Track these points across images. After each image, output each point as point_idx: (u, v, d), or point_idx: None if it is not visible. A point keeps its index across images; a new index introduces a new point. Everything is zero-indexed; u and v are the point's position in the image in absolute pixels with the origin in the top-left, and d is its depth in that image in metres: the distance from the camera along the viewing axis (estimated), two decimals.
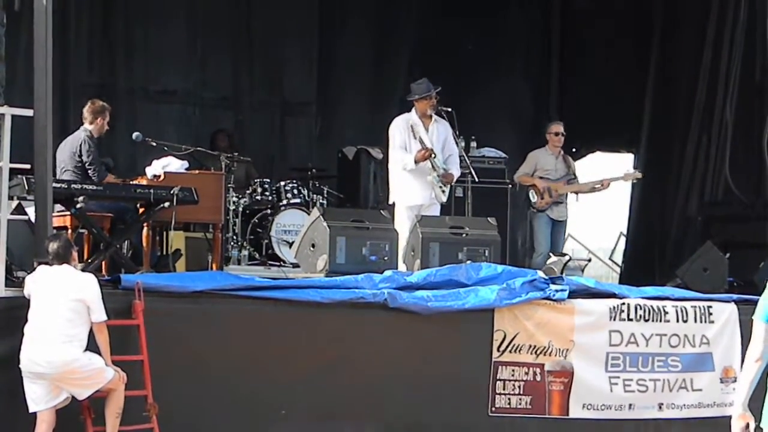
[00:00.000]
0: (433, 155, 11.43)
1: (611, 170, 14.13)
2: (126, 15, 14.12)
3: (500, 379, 9.97)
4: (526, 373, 10.03)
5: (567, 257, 11.49)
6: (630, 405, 10.36)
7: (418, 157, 11.41)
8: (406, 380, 9.67)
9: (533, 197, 13.00)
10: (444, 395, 9.76)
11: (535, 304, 10.09)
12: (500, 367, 9.97)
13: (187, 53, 14.50)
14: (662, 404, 10.47)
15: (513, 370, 10.00)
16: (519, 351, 10.00)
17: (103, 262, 10.24)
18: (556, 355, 10.11)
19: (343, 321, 9.51)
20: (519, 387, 10.01)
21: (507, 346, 9.97)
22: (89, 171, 10.55)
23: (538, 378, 10.07)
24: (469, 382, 9.92)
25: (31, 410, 8.15)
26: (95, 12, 13.97)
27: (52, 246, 8.30)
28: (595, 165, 15.76)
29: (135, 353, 8.61)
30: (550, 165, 13.10)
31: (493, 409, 9.96)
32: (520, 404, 10.03)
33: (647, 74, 14.84)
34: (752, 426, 6.08)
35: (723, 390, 10.54)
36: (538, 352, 10.06)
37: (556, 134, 13.12)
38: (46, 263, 8.32)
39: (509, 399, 10.00)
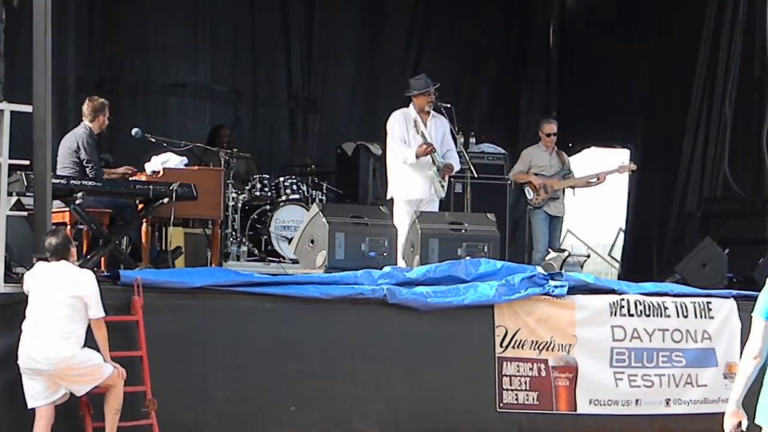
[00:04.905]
0: (434, 150, 11.43)
1: (608, 164, 14.13)
2: (126, 10, 14.11)
3: (506, 375, 9.96)
4: (531, 369, 10.02)
5: (566, 253, 11.47)
6: (637, 400, 10.35)
7: (419, 152, 11.39)
8: (408, 376, 9.65)
9: (529, 194, 12.99)
10: (448, 391, 9.75)
11: (535, 300, 10.09)
12: (505, 362, 9.96)
13: (189, 49, 14.50)
14: (669, 400, 10.46)
15: (518, 366, 9.99)
16: (522, 346, 9.99)
17: (102, 258, 10.25)
18: (559, 351, 10.11)
19: (343, 317, 9.51)
20: (525, 382, 10.00)
21: (510, 342, 9.96)
22: (87, 168, 10.47)
23: (543, 373, 10.06)
24: (473, 378, 9.91)
25: (29, 406, 8.14)
26: (93, 7, 13.97)
27: (50, 242, 8.26)
28: (593, 159, 15.74)
29: (134, 349, 8.60)
30: (544, 161, 13.08)
31: (501, 404, 9.94)
32: (527, 400, 10.01)
33: (645, 70, 14.82)
34: (744, 424, 6.06)
35: (727, 386, 10.48)
36: (540, 347, 10.05)
37: (548, 135, 13.09)
38: (45, 259, 8.31)
39: (516, 394, 9.99)
